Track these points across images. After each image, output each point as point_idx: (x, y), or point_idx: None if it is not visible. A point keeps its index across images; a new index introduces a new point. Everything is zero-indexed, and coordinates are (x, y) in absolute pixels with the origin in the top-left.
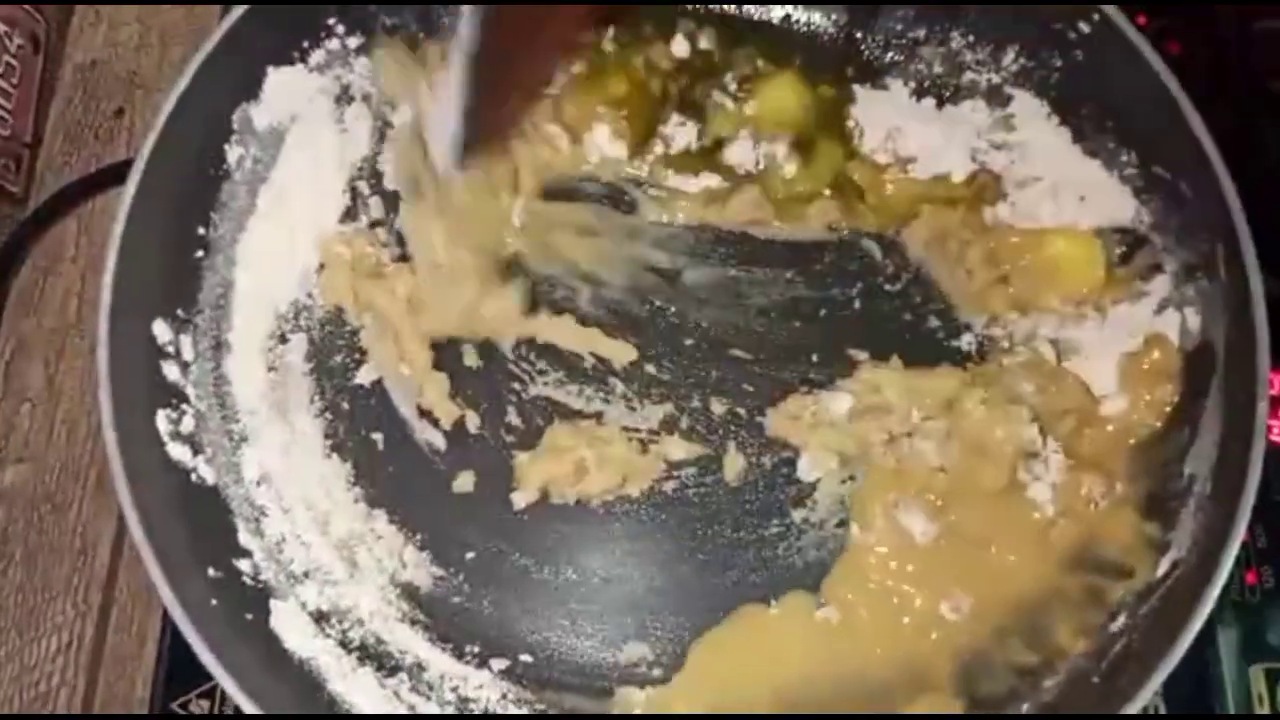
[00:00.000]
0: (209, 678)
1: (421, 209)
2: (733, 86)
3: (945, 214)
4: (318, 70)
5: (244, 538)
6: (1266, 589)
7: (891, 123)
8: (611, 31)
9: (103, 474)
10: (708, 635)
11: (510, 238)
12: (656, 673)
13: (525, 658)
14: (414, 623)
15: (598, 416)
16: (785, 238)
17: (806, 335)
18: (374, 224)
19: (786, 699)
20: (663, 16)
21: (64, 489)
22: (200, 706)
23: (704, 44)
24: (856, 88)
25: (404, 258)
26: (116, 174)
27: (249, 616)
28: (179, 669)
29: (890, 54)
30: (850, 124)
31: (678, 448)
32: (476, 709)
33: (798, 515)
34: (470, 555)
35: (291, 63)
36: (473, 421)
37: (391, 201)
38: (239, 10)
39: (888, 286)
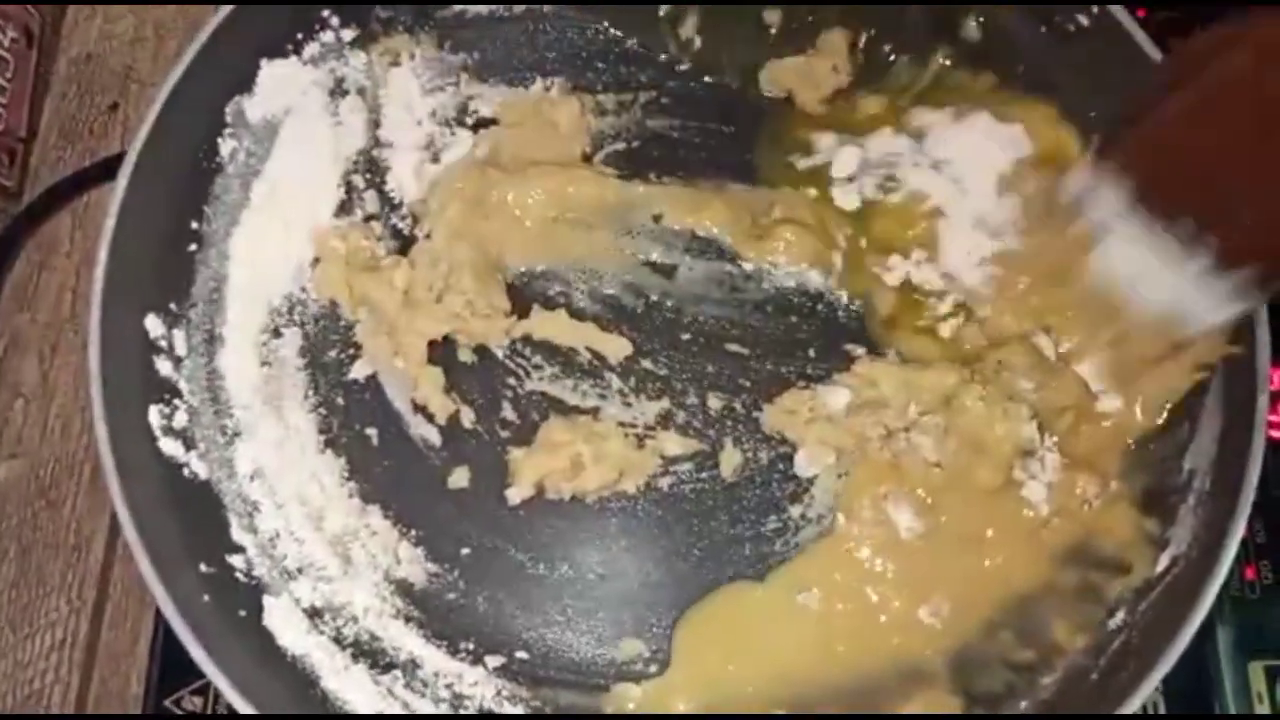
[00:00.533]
0: (202, 675)
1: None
2: None
3: None
4: (312, 63)
5: (237, 533)
6: (1266, 585)
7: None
8: None
9: (97, 470)
10: (690, 612)
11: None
12: (652, 669)
13: (520, 654)
14: (408, 619)
15: (594, 412)
16: None
17: (803, 330)
18: (368, 218)
19: (779, 678)
20: None
21: (58, 484)
22: (193, 703)
23: None
24: None
25: (402, 251)
26: (111, 168)
27: (242, 613)
28: (172, 666)
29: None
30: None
31: (674, 443)
32: (471, 706)
33: (795, 510)
34: (465, 551)
35: (285, 55)
36: (467, 416)
37: (385, 196)
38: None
39: None
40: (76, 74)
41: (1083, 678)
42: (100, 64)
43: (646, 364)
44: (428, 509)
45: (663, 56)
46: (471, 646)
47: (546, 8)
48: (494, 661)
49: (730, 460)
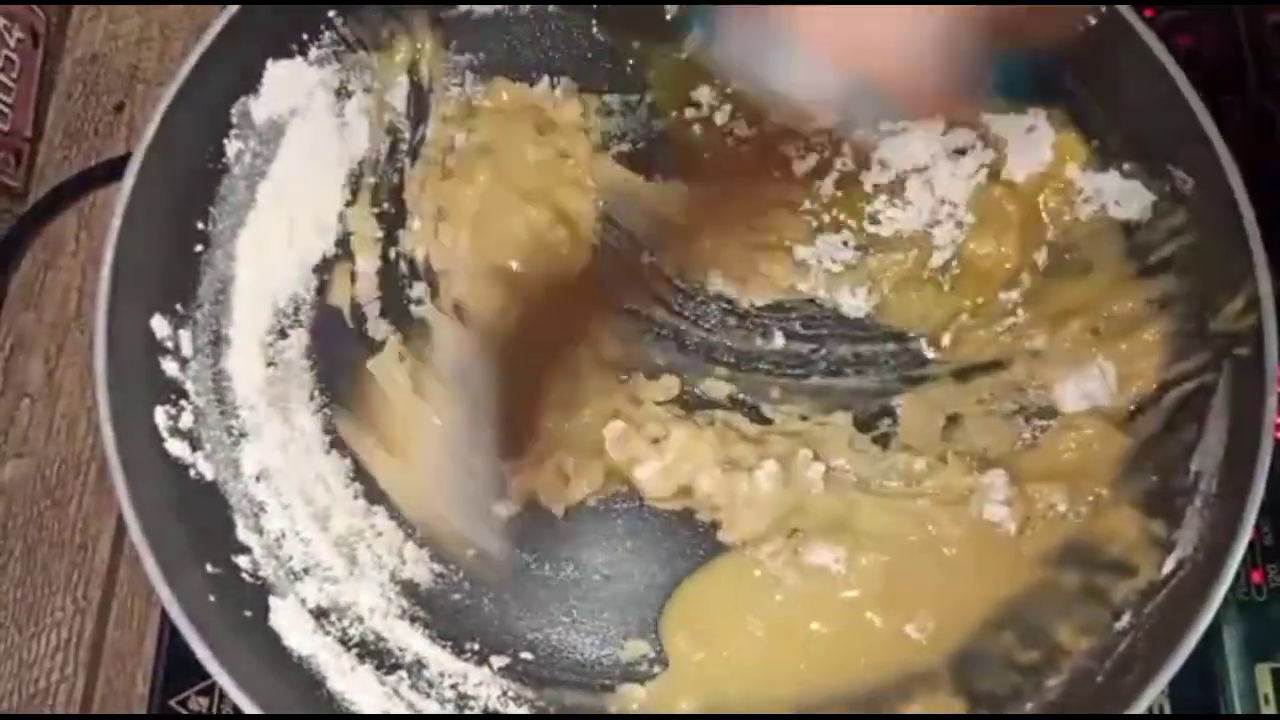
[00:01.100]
0: (207, 675)
1: None
2: None
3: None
4: (317, 64)
5: (243, 534)
6: (1273, 587)
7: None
8: None
9: (103, 469)
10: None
11: None
12: (657, 670)
13: (525, 655)
14: (414, 619)
15: None
16: None
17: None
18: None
19: (777, 676)
20: None
21: (64, 484)
22: (199, 704)
23: None
24: None
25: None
26: (116, 168)
27: (248, 613)
28: (178, 665)
29: None
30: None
31: None
32: (476, 706)
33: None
34: (470, 552)
35: (291, 56)
36: None
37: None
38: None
39: None
40: (82, 74)
41: (1088, 680)
42: (106, 64)
43: None
44: None
45: None
46: (477, 647)
47: (552, 8)
48: (499, 662)
49: None
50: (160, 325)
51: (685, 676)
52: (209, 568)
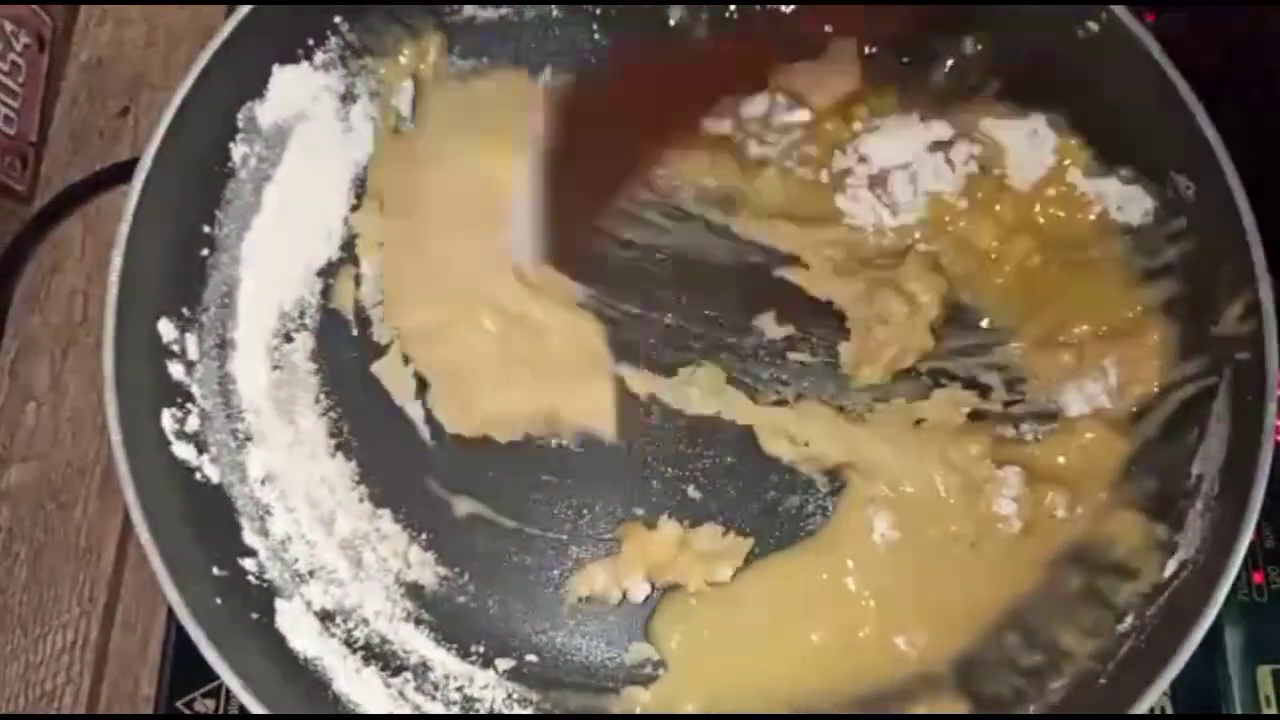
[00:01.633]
0: (214, 677)
1: None
2: None
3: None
4: (323, 69)
5: (249, 537)
6: (1274, 589)
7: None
8: None
9: (108, 473)
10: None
11: None
12: (661, 673)
13: (530, 657)
14: (419, 622)
15: None
16: None
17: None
18: None
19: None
20: None
21: (69, 487)
22: (205, 706)
23: None
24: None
25: None
26: (122, 173)
27: (254, 616)
28: (184, 668)
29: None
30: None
31: None
32: (481, 709)
33: (799, 520)
34: (475, 554)
35: (297, 61)
36: None
37: None
38: (245, 8)
39: None
40: (88, 79)
41: (1091, 682)
42: (111, 69)
43: None
44: (438, 513)
45: None
46: (482, 649)
47: (555, 11)
48: (504, 664)
49: None
50: (167, 329)
51: (687, 678)
52: (215, 570)
